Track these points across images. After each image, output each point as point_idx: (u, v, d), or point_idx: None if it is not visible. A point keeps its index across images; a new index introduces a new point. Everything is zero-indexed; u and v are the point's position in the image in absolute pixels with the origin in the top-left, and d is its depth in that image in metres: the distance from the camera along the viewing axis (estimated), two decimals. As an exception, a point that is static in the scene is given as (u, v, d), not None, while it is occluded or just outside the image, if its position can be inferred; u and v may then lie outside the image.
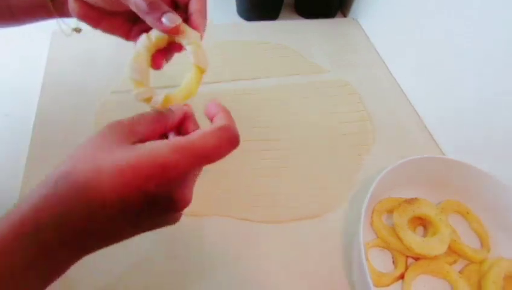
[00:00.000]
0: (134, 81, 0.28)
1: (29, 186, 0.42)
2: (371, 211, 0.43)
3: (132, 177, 0.20)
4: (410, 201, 0.41)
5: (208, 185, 0.45)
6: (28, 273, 0.19)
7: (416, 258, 0.40)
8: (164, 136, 0.27)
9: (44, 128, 0.48)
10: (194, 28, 0.29)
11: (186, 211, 0.43)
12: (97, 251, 0.22)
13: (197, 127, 0.28)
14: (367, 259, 0.37)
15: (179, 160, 0.21)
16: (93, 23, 0.32)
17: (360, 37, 0.71)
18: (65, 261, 0.21)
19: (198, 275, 0.38)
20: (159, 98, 0.27)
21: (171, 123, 0.26)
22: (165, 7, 0.27)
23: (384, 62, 0.66)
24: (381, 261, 0.40)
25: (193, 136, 0.22)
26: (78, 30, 0.37)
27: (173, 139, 0.22)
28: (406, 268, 0.39)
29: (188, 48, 0.28)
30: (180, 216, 0.25)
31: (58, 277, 0.21)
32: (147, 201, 0.21)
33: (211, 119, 0.26)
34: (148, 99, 0.27)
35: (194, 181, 0.25)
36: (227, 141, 0.23)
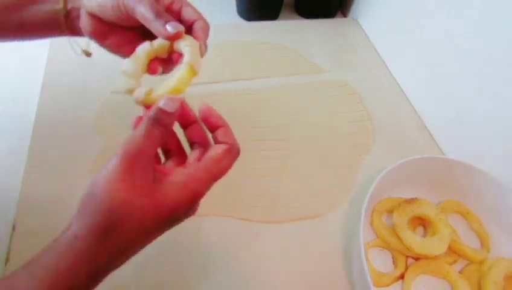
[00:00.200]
0: (124, 74, 0.29)
1: (29, 186, 0.42)
2: (371, 211, 0.43)
3: (170, 215, 0.24)
4: (410, 201, 0.41)
5: (208, 185, 0.45)
6: None
7: (416, 258, 0.40)
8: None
9: (44, 128, 0.48)
10: (195, 38, 0.32)
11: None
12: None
13: (200, 130, 0.29)
14: (367, 259, 0.37)
15: (203, 188, 0.25)
16: (100, 40, 0.34)
17: (360, 37, 0.71)
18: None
19: (199, 275, 0.38)
20: (142, 90, 0.28)
21: (171, 129, 0.27)
22: (170, 16, 0.30)
23: (384, 62, 0.66)
24: (381, 261, 0.40)
25: (209, 164, 0.26)
26: (88, 54, 0.38)
27: (193, 170, 0.25)
28: (406, 268, 0.39)
29: (185, 49, 0.29)
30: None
31: None
32: (174, 220, 0.26)
33: (212, 130, 0.28)
34: (131, 91, 0.28)
35: None
36: (234, 159, 0.27)
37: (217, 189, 0.45)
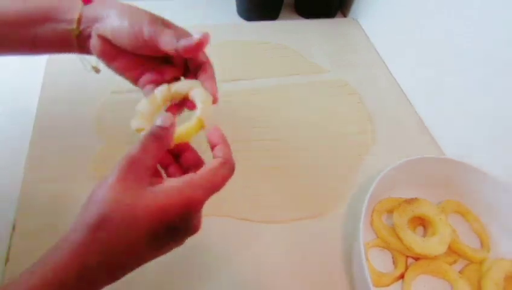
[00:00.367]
0: (139, 113, 0.31)
1: (29, 186, 0.42)
2: (371, 211, 0.43)
3: (163, 216, 0.24)
4: (410, 201, 0.41)
5: (208, 185, 0.45)
6: None
7: (416, 258, 0.40)
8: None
9: (44, 128, 0.48)
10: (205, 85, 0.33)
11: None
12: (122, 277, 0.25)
13: (195, 154, 0.32)
14: (367, 259, 0.37)
15: (199, 195, 0.26)
16: (108, 61, 0.34)
17: (360, 37, 0.71)
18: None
19: (199, 275, 0.38)
20: None
21: (168, 142, 0.29)
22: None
23: (384, 62, 0.66)
24: (381, 261, 0.40)
25: (205, 173, 0.27)
26: (97, 70, 0.39)
27: (188, 178, 0.26)
28: (406, 268, 0.39)
29: (198, 104, 0.31)
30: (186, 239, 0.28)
31: None
32: (171, 231, 0.25)
33: (212, 147, 0.30)
34: (140, 130, 0.30)
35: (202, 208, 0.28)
36: (230, 172, 0.29)
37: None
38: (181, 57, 0.34)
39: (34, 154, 0.45)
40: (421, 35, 0.56)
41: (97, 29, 0.33)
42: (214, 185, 0.27)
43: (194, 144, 0.32)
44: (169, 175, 0.31)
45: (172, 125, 0.28)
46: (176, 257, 0.39)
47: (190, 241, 0.41)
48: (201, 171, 0.27)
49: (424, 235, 0.42)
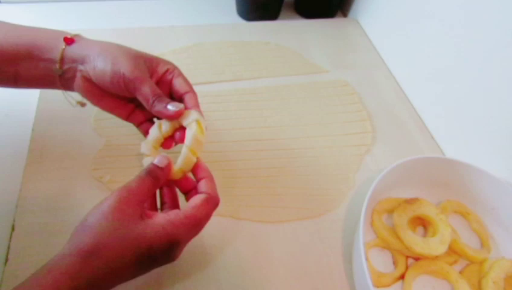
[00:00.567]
0: (145, 155, 0.34)
1: (29, 186, 0.42)
2: (371, 211, 0.43)
3: (147, 250, 0.27)
4: (410, 201, 0.41)
5: (207, 185, 0.45)
6: None
7: (417, 259, 0.40)
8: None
9: (44, 128, 0.48)
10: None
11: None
12: None
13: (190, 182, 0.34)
14: (367, 259, 0.37)
15: (181, 235, 0.28)
16: (95, 101, 0.35)
17: (360, 37, 0.71)
18: None
19: (198, 275, 0.38)
20: None
21: (162, 182, 0.31)
22: (168, 99, 0.33)
23: (384, 62, 0.66)
24: (381, 262, 0.40)
25: (188, 211, 0.29)
26: (82, 104, 0.40)
27: (173, 215, 0.28)
28: (406, 268, 0.39)
29: (187, 132, 0.33)
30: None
31: None
32: (152, 260, 0.28)
33: (197, 180, 0.33)
34: (146, 155, 0.34)
35: (189, 241, 0.30)
36: (213, 207, 0.31)
37: (217, 189, 0.45)
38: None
39: (33, 154, 0.45)
40: (421, 35, 0.56)
41: (81, 71, 0.33)
42: (197, 223, 0.29)
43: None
44: (162, 197, 0.33)
45: (168, 166, 0.31)
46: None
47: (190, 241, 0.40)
48: (186, 209, 0.29)
49: (425, 235, 0.42)
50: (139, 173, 0.30)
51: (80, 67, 0.33)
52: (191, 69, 0.59)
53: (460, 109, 0.49)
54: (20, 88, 0.36)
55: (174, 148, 0.36)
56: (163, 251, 0.27)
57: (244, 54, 0.63)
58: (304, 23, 0.74)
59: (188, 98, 0.35)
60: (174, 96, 0.36)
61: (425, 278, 0.39)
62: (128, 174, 0.44)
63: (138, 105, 0.36)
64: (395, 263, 0.40)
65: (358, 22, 0.74)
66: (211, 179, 0.32)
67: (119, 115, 0.36)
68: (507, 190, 0.40)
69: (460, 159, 0.43)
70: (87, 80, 0.33)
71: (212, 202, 0.30)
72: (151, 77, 0.34)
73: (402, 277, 0.38)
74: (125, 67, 0.32)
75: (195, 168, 0.33)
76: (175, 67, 0.36)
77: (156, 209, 0.32)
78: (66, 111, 0.51)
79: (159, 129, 0.34)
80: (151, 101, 0.32)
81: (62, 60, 0.33)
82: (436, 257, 0.38)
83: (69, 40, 0.34)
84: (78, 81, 0.33)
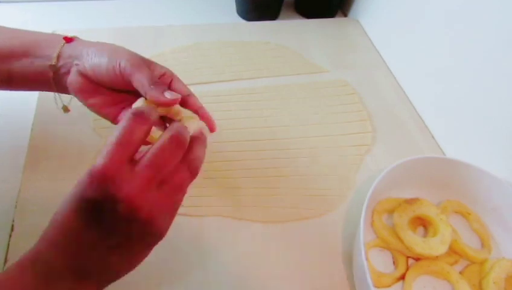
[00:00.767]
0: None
1: (28, 186, 0.42)
2: (371, 211, 0.43)
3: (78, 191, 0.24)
4: (411, 201, 0.41)
5: (207, 186, 0.45)
6: None
7: (417, 259, 0.39)
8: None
9: (43, 128, 0.48)
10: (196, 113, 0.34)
11: (187, 211, 0.43)
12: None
13: None
14: (367, 259, 0.36)
15: (102, 160, 0.23)
16: (85, 98, 0.35)
17: (360, 37, 0.71)
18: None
19: (198, 275, 0.38)
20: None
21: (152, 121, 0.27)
22: (165, 86, 0.32)
23: (384, 62, 0.66)
24: (381, 262, 0.40)
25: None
26: (66, 110, 0.40)
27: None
28: (407, 268, 0.39)
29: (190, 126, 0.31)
30: (160, 230, 0.26)
31: None
32: (99, 211, 0.23)
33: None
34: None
35: (147, 183, 0.24)
36: (176, 147, 0.26)
37: (217, 189, 0.45)
38: None
39: (33, 154, 0.45)
40: (421, 35, 0.56)
41: (78, 65, 0.33)
42: (119, 138, 0.24)
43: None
44: None
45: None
46: (175, 257, 0.39)
47: (190, 241, 0.41)
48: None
49: (425, 235, 0.42)
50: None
51: (76, 61, 0.33)
52: (191, 69, 0.59)
53: (460, 109, 0.49)
54: (14, 89, 0.36)
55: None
56: (101, 201, 0.23)
57: (244, 54, 0.63)
58: (303, 23, 0.74)
59: (192, 100, 0.35)
60: None
61: (426, 278, 0.39)
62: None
63: (128, 105, 0.36)
64: (395, 263, 0.40)
65: (359, 21, 0.74)
66: (202, 136, 0.29)
67: (107, 115, 0.36)
68: (507, 189, 0.40)
69: (460, 159, 0.43)
70: (81, 74, 0.33)
71: (175, 142, 0.25)
72: None
73: (402, 277, 0.38)
74: (122, 57, 0.32)
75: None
76: (172, 73, 0.36)
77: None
78: (61, 111, 0.51)
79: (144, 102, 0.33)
80: (147, 85, 0.31)
81: (59, 55, 0.33)
82: (437, 257, 0.38)
83: (69, 39, 0.34)
84: (72, 76, 0.34)
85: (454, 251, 0.40)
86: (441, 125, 0.53)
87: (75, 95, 0.35)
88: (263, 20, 0.71)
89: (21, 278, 0.22)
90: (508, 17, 0.40)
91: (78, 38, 0.35)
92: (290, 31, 0.70)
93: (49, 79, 0.34)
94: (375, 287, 0.37)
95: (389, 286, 0.38)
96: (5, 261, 0.36)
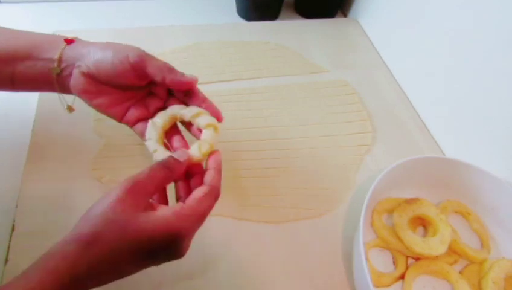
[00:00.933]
0: (151, 138, 0.34)
1: (29, 186, 0.42)
2: (371, 211, 0.43)
3: (147, 244, 0.26)
4: (410, 201, 0.41)
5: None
6: None
7: (417, 259, 0.40)
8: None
9: (44, 128, 0.48)
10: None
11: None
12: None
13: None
14: (367, 259, 0.37)
15: (185, 227, 0.27)
16: (89, 99, 0.35)
17: (360, 37, 0.71)
18: None
19: (198, 275, 0.38)
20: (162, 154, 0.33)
21: (177, 176, 0.31)
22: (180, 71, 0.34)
23: (384, 62, 0.66)
24: (381, 261, 0.40)
25: (191, 204, 0.28)
26: (70, 109, 0.40)
27: (178, 208, 0.28)
28: (406, 268, 0.39)
29: (206, 131, 0.34)
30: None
31: None
32: (152, 255, 0.27)
33: (207, 166, 0.32)
34: (155, 151, 0.33)
35: (193, 236, 0.29)
36: (214, 200, 0.30)
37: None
38: (165, 86, 0.35)
39: (33, 154, 0.45)
40: (421, 35, 0.56)
41: (79, 66, 0.33)
42: (199, 216, 0.28)
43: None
44: (177, 190, 0.32)
45: (186, 161, 0.31)
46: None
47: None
48: (189, 201, 0.28)
49: (425, 235, 0.42)
50: (152, 165, 0.29)
51: (78, 63, 0.33)
52: (191, 69, 0.58)
53: (460, 109, 0.49)
54: (17, 90, 0.36)
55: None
56: (165, 244, 0.27)
57: (244, 54, 0.63)
58: (304, 23, 0.74)
59: (198, 90, 0.35)
60: (175, 93, 0.37)
61: (425, 278, 0.39)
62: (128, 174, 0.45)
63: (134, 103, 0.36)
64: (395, 263, 0.40)
65: (359, 21, 0.74)
66: (218, 170, 0.32)
67: (113, 115, 0.36)
68: (507, 190, 0.40)
69: (460, 159, 0.43)
70: (85, 75, 0.33)
71: (214, 195, 0.30)
72: None
73: (402, 277, 0.38)
74: (129, 50, 0.32)
75: (209, 155, 0.33)
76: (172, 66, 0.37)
77: (166, 202, 0.32)
78: (66, 111, 0.51)
79: (153, 127, 0.34)
80: (166, 70, 0.32)
81: (60, 58, 0.33)
82: (436, 257, 0.38)
83: (69, 41, 0.34)
84: (75, 78, 0.33)
85: (453, 251, 0.40)
86: (441, 125, 0.53)
87: (79, 96, 0.35)
88: (263, 20, 0.71)
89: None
90: (508, 17, 0.40)
91: (78, 39, 0.35)
92: (290, 31, 0.70)
93: (53, 81, 0.34)
94: (375, 286, 0.38)
95: (388, 285, 0.38)
96: (6, 261, 0.36)
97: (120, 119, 0.36)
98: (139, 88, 0.36)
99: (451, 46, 0.49)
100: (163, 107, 0.36)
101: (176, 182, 0.32)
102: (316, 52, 0.66)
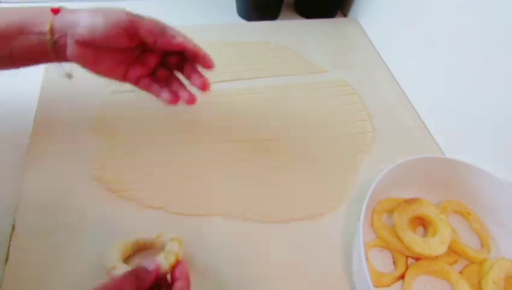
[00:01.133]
0: (112, 255, 0.34)
1: (29, 186, 0.42)
2: (371, 211, 0.43)
3: None
4: (410, 201, 0.41)
5: (207, 186, 0.45)
6: None
7: (417, 259, 0.40)
8: None
9: (44, 128, 0.48)
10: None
11: (186, 211, 0.43)
12: None
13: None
14: (367, 259, 0.37)
15: None
16: (90, 66, 0.35)
17: (360, 37, 0.71)
18: None
19: (198, 275, 0.38)
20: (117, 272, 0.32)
21: (146, 286, 0.29)
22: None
23: (384, 62, 0.66)
24: (381, 261, 0.40)
25: None
26: (69, 76, 0.40)
27: None
28: (406, 268, 0.39)
29: (172, 244, 0.34)
30: None
31: None
32: None
33: (173, 280, 0.31)
34: (112, 268, 0.33)
35: None
36: None
37: (218, 189, 0.45)
38: (157, 49, 0.35)
39: (33, 154, 0.45)
40: (421, 35, 0.56)
41: (72, 35, 0.33)
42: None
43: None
44: None
45: (156, 271, 0.30)
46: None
47: (190, 241, 0.41)
48: None
49: (425, 235, 0.42)
50: (124, 273, 0.29)
51: (71, 31, 0.33)
52: (191, 69, 0.59)
53: (460, 109, 0.49)
54: (17, 67, 0.36)
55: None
56: None
57: (244, 54, 0.63)
58: (304, 23, 0.74)
59: (190, 46, 0.36)
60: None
61: (425, 278, 0.39)
62: (128, 174, 0.45)
63: (132, 62, 0.37)
64: (395, 263, 0.40)
65: (358, 21, 0.74)
66: (186, 281, 0.31)
67: (116, 77, 0.36)
68: (507, 189, 0.40)
69: (460, 159, 0.43)
70: (80, 43, 0.33)
71: None
72: None
73: (402, 276, 0.38)
74: (120, 13, 0.33)
75: (175, 266, 0.32)
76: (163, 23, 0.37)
77: None
78: (66, 111, 0.51)
79: (115, 251, 0.34)
80: (157, 31, 0.33)
81: (52, 29, 0.33)
82: (436, 257, 0.38)
83: (56, 11, 0.34)
84: (70, 48, 0.34)
85: (453, 251, 0.40)
86: (441, 126, 0.53)
87: (79, 64, 0.35)
88: (263, 20, 0.71)
89: None
90: (508, 17, 0.40)
91: (64, 8, 0.35)
92: (290, 31, 0.70)
93: (50, 53, 0.34)
94: (375, 286, 0.38)
95: (388, 285, 0.38)
96: (6, 261, 0.36)
97: (123, 79, 0.37)
98: (135, 47, 0.36)
99: (451, 46, 0.49)
100: (162, 61, 0.38)
101: None
102: (316, 52, 0.66)
